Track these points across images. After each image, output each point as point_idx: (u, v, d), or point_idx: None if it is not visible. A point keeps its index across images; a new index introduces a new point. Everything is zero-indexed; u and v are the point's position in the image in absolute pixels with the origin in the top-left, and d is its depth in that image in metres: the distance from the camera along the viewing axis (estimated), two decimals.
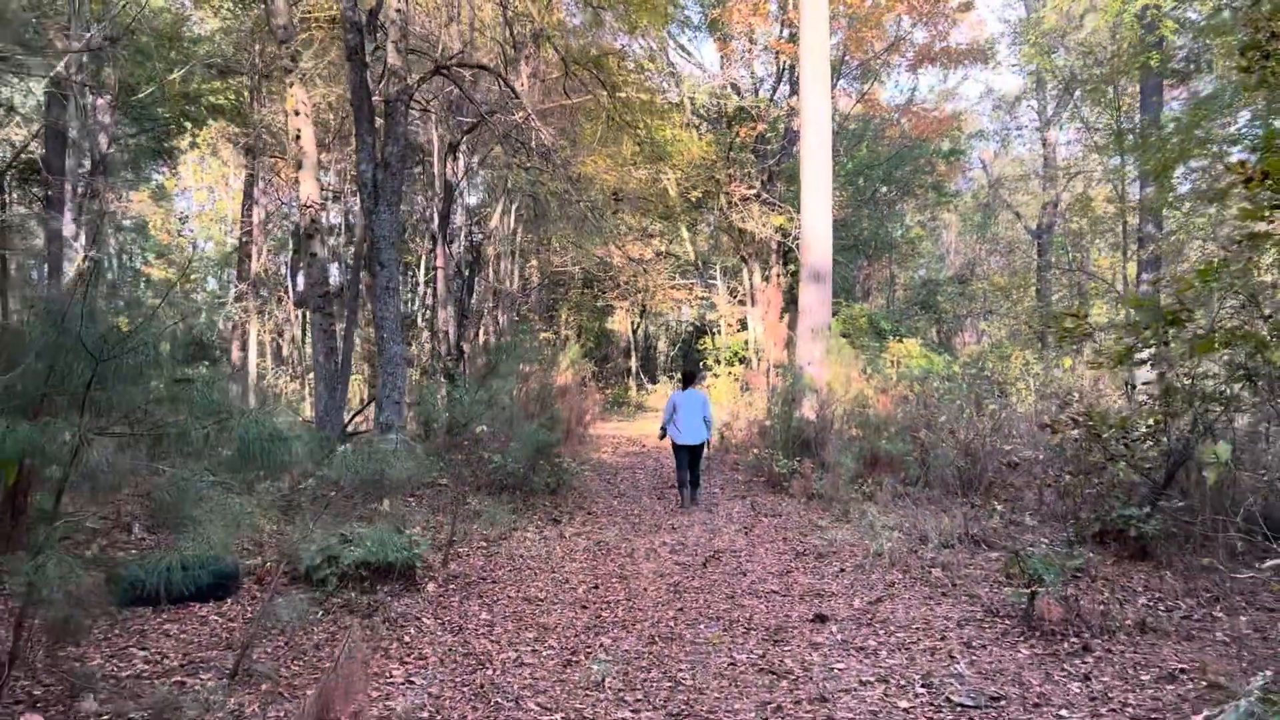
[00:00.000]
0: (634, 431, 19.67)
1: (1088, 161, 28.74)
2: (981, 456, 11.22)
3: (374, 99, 9.55)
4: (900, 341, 20.68)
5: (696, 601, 6.12)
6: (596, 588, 6.39)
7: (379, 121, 9.80)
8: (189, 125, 20.51)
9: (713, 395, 17.39)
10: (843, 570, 7.00)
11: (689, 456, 10.11)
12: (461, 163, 15.57)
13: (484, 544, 7.47)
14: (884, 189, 29.01)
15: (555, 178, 10.01)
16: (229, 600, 5.34)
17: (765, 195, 22.89)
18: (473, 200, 25.41)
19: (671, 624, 5.58)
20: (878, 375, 13.67)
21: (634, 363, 33.49)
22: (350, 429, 11.23)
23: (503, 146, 10.47)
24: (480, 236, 13.41)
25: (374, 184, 9.20)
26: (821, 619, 5.72)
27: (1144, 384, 9.01)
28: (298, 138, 10.58)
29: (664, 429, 10.20)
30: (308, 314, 12.07)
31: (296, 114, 10.49)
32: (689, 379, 10.65)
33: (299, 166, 10.67)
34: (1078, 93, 27.59)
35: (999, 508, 7.36)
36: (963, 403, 12.86)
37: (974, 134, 34.29)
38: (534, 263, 24.49)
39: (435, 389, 13.14)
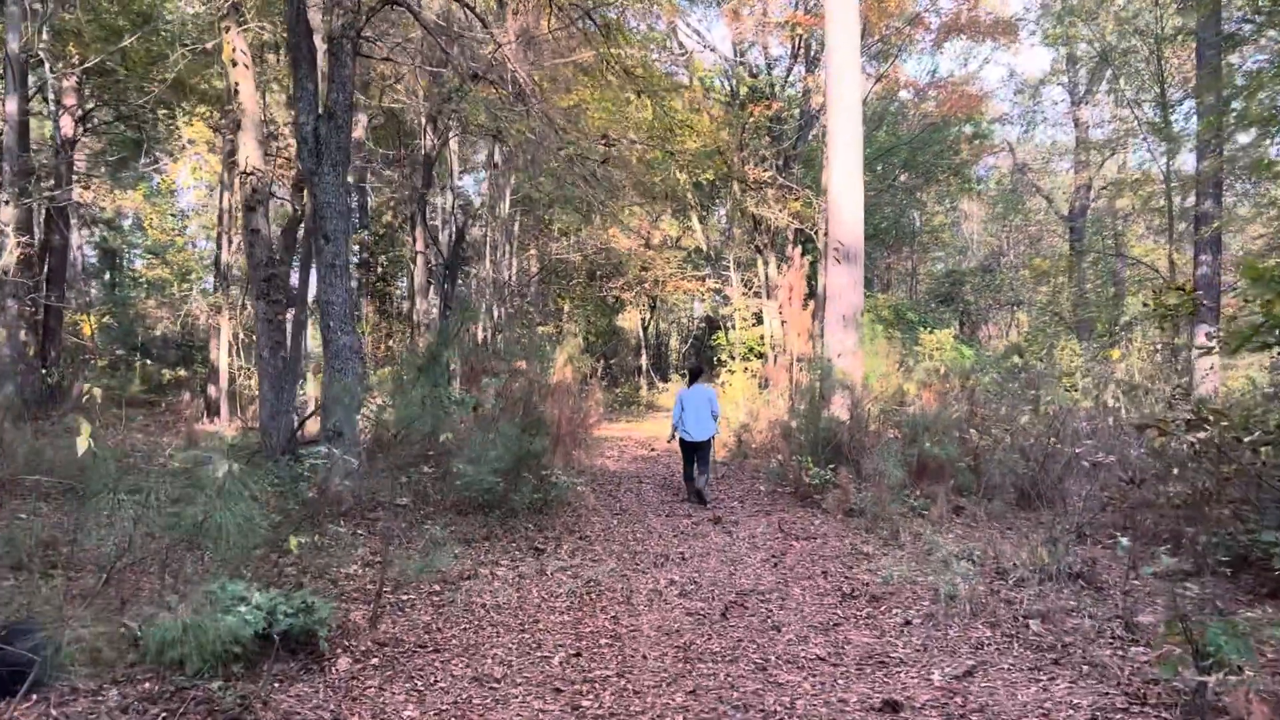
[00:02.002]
0: (643, 433, 17.99)
1: (1127, 140, 26.88)
2: (1042, 460, 9.54)
3: (315, 37, 7.90)
4: (931, 333, 19.04)
5: (715, 677, 4.42)
6: (578, 656, 4.68)
7: (323, 65, 8.16)
8: (172, 114, 18.92)
9: (728, 394, 15.71)
10: (908, 623, 5.28)
11: (695, 453, 9.89)
12: (451, 137, 13.91)
13: (438, 588, 5.77)
14: (904, 176, 27.44)
15: (533, 117, 8.28)
16: (34, 697, 3.66)
17: (782, 180, 21.21)
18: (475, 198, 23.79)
19: (679, 719, 3.89)
20: (919, 368, 11.95)
21: (644, 360, 31.84)
22: (305, 437, 9.57)
23: (465, 81, 8.72)
24: (464, 217, 11.74)
25: (315, 139, 7.55)
26: (893, 707, 4.02)
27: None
28: (236, 92, 8.96)
29: (674, 430, 10.01)
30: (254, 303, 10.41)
31: (234, 64, 8.87)
32: (695, 375, 10.38)
33: (238, 127, 9.04)
34: (1109, 70, 25.86)
35: (1123, 540, 5.62)
36: (1020, 395, 11.17)
37: (996, 119, 32.59)
38: (532, 251, 22.77)
39: (412, 388, 11.47)
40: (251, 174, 8.84)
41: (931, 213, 32.60)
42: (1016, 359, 12.47)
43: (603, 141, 8.22)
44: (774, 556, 7.09)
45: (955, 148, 27.11)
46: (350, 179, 24.36)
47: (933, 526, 7.92)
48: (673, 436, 10.14)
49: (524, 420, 8.55)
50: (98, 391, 11.12)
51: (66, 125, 18.31)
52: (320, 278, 7.68)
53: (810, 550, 7.32)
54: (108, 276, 32.11)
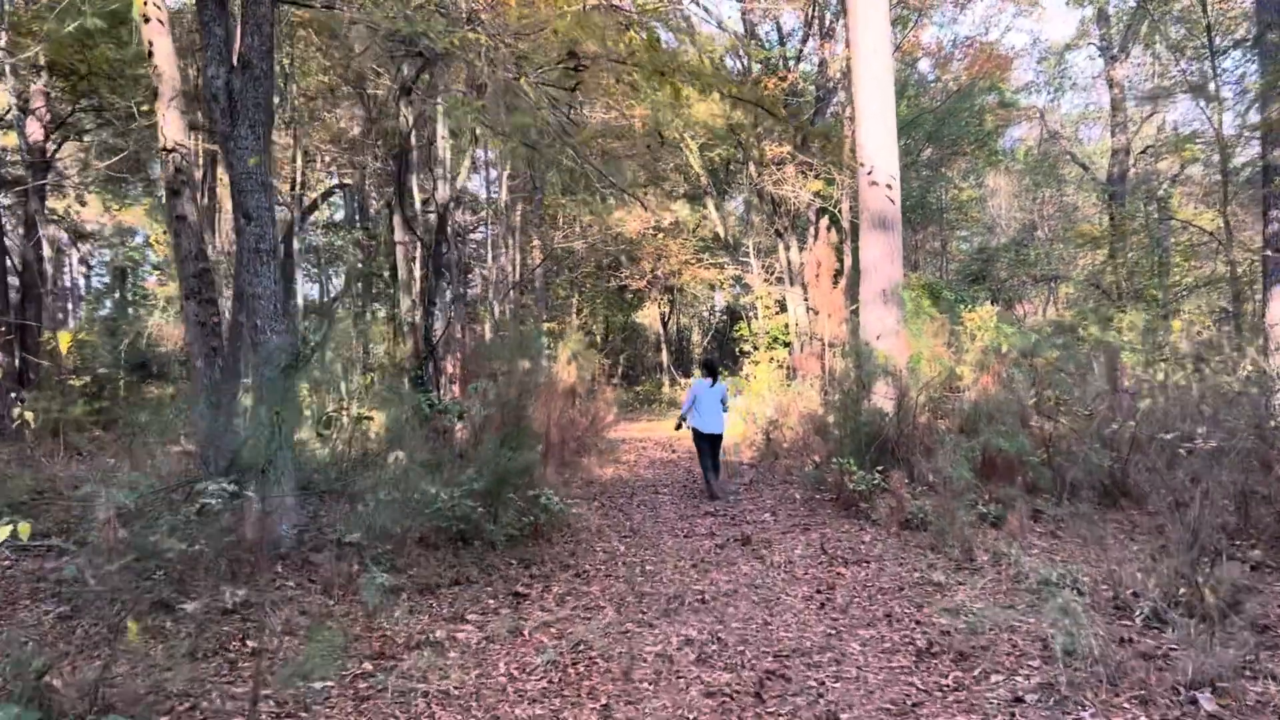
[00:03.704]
0: (664, 432, 16.49)
1: (1170, 93, 25.07)
2: (1128, 450, 7.99)
3: None
4: (972, 311, 17.53)
5: None
6: None
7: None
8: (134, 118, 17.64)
9: (753, 387, 14.21)
10: (1019, 699, 3.75)
11: (710, 445, 9.79)
12: (425, 107, 12.45)
13: (370, 667, 4.30)
14: (928, 150, 25.93)
15: (480, 33, 6.70)
16: None
17: (801, 156, 19.73)
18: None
19: None
20: (972, 348, 10.40)
21: (665, 357, 30.41)
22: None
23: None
24: (449, 199, 10.24)
25: (228, 95, 6.15)
26: None
27: None
28: (150, 54, 7.55)
29: (682, 419, 9.94)
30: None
31: (146, 21, 7.48)
32: (712, 371, 9.95)
33: (154, 96, 7.64)
34: (1145, 23, 24.12)
35: None
36: (1083, 374, 9.63)
37: (1022, 88, 30.94)
38: (536, 242, 21.28)
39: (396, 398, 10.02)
40: (173, 150, 7.44)
41: (959, 188, 31.06)
42: (1094, 330, 10.80)
43: (569, 62, 6.63)
44: (820, 592, 5.57)
45: (980, 117, 25.60)
46: (348, 181, 23.09)
47: (1014, 542, 6.37)
48: (680, 425, 10.05)
49: (505, 430, 7.07)
50: (30, 416, 9.78)
51: (36, 131, 17.06)
52: (243, 265, 6.26)
53: (864, 580, 5.80)
54: (118, 295, 31.34)
